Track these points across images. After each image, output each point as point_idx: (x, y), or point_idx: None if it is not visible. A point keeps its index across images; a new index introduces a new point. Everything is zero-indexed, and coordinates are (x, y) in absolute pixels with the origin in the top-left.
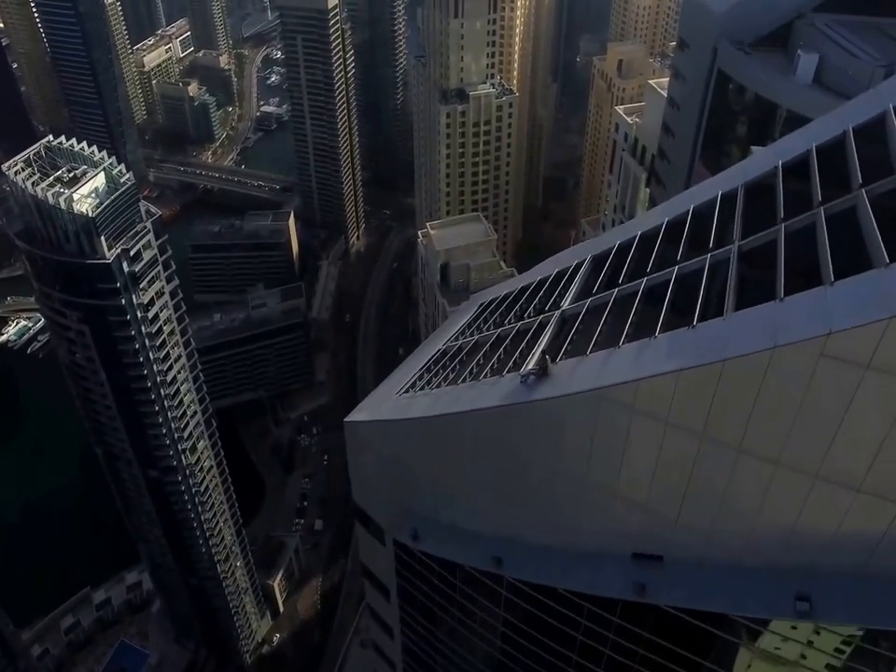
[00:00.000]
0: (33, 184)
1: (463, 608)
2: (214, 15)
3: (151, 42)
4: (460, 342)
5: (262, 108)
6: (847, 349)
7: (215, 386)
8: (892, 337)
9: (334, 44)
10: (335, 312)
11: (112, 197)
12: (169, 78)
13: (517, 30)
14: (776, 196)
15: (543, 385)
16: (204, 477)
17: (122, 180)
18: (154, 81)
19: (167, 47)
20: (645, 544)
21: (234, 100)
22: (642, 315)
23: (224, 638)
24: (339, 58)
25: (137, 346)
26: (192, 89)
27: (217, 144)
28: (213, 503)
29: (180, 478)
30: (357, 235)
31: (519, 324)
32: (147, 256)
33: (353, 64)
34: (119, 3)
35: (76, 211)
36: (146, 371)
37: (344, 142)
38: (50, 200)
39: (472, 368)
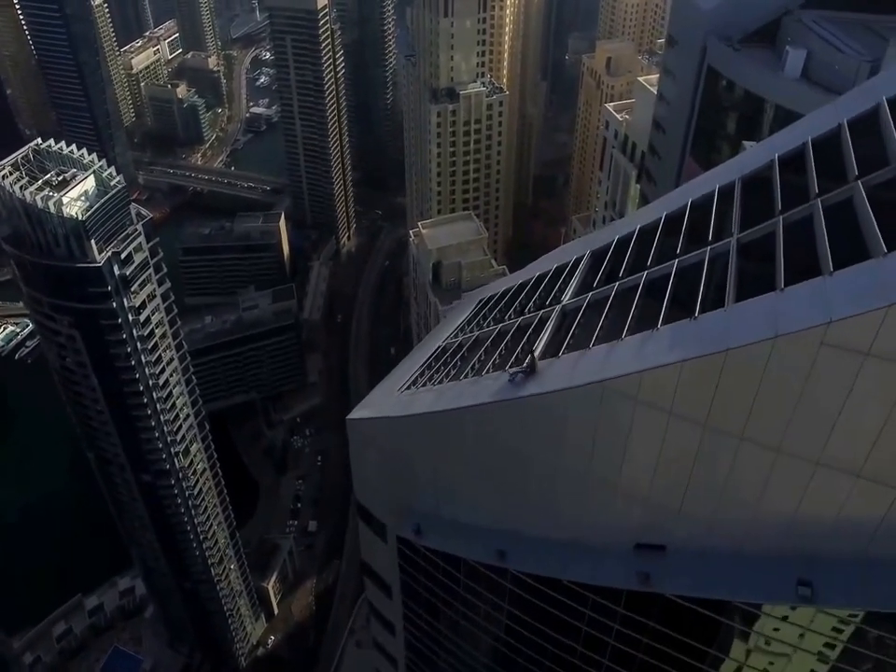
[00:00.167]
0: (21, 188)
1: (467, 602)
2: (202, 16)
3: (139, 44)
4: (460, 338)
5: (252, 110)
6: (847, 337)
7: (206, 389)
8: (891, 325)
9: (324, 44)
10: (326, 312)
11: (102, 200)
12: (157, 80)
13: (507, 28)
14: (773, 189)
15: (531, 382)
16: (198, 480)
17: (113, 183)
18: (142, 83)
19: (155, 48)
20: (648, 534)
21: (223, 101)
22: (643, 308)
23: (218, 642)
24: (328, 58)
25: (129, 350)
26: (181, 91)
27: (207, 146)
28: (206, 506)
29: (173, 481)
30: (348, 235)
31: (520, 319)
32: (138, 258)
33: (342, 65)
34: (106, 4)
35: (65, 214)
36: (138, 375)
37: (335, 142)
38: (39, 203)
39: (475, 363)
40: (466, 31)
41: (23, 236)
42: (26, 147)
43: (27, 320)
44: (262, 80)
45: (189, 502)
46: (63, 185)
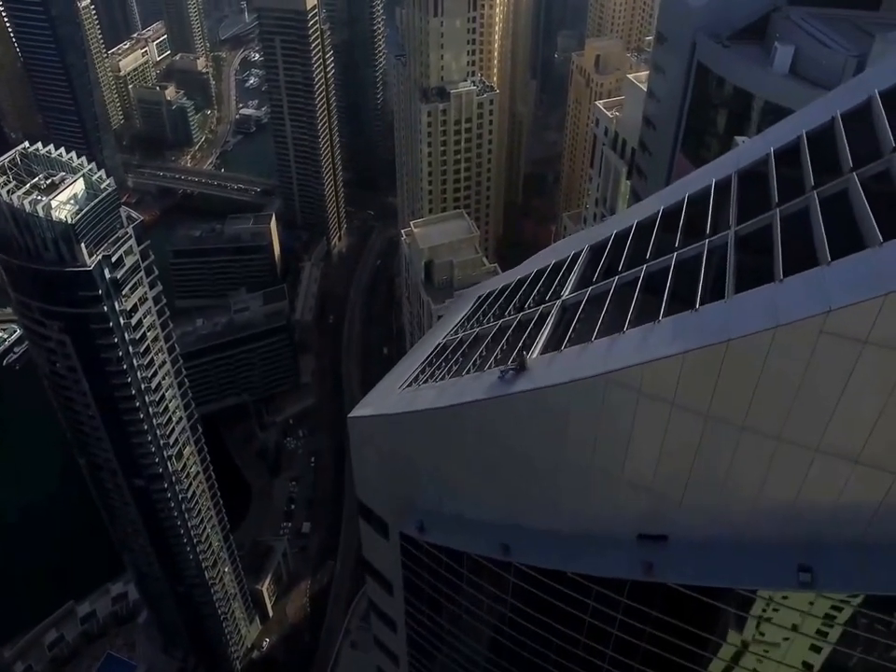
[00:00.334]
0: (8, 192)
1: (471, 596)
2: (190, 17)
3: (127, 46)
4: (460, 335)
5: (241, 111)
6: (845, 325)
7: (198, 392)
8: (888, 313)
9: (313, 45)
10: (318, 313)
11: (92, 203)
12: (146, 82)
13: (496, 27)
14: (769, 182)
15: (522, 379)
16: (191, 483)
17: (102, 186)
18: (130, 85)
19: (143, 50)
20: (650, 525)
21: (213, 103)
22: (643, 301)
23: (213, 645)
24: (318, 59)
25: (121, 354)
26: (170, 92)
27: (196, 148)
28: (200, 509)
29: (166, 485)
30: (339, 236)
31: (520, 315)
32: (128, 262)
33: (332, 65)
34: (93, 6)
35: (54, 218)
36: (130, 379)
37: (325, 143)
38: (28, 207)
39: (476, 359)
40: (456, 30)
41: (11, 240)
42: (13, 150)
43: (14, 325)
44: (252, 82)
45: (183, 506)
46: (52, 188)
